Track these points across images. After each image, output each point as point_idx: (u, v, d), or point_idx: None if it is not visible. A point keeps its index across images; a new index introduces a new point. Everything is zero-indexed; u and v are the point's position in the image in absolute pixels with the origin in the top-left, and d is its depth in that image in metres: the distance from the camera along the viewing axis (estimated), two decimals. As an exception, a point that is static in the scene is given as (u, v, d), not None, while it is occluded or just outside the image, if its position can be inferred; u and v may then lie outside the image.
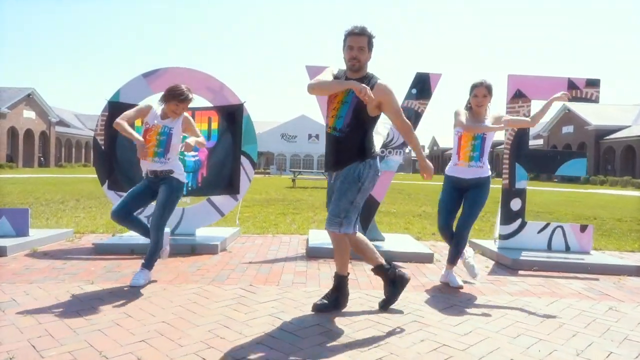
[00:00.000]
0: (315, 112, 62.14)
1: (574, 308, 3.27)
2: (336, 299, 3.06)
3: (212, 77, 5.21)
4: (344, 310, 3.04)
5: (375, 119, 2.97)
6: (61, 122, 47.19)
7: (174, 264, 4.21)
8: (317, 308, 2.99)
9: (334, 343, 2.49)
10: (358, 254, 3.12)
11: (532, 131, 38.46)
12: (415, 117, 5.16)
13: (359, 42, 2.88)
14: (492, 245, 5.25)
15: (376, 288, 3.60)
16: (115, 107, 4.98)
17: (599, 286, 3.95)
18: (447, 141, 73.69)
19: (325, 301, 3.03)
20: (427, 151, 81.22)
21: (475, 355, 2.39)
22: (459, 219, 3.70)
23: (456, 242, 3.68)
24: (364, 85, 2.69)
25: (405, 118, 3.01)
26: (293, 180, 19.81)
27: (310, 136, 56.24)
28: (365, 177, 2.90)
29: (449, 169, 3.81)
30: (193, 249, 4.72)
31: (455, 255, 3.72)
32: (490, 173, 3.76)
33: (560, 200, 15.37)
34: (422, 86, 5.14)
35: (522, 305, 3.28)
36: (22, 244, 4.63)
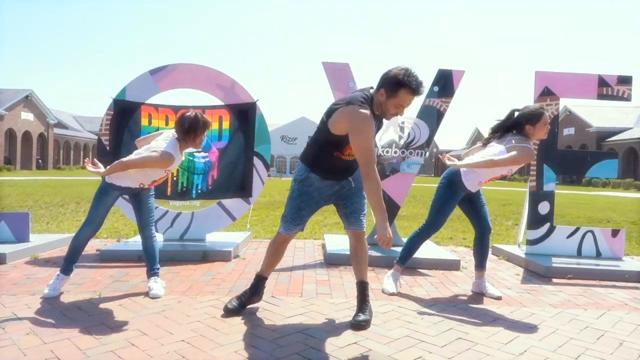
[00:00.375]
0: (315, 114, 61.92)
1: (627, 322, 3.00)
2: (368, 310, 2.80)
3: (223, 73, 4.94)
4: (379, 324, 2.77)
5: None
6: (59, 124, 46.78)
7: (185, 272, 3.93)
8: (358, 326, 2.69)
9: (377, 365, 2.22)
10: (278, 255, 3.07)
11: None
12: (437, 116, 4.90)
13: (413, 101, 2.60)
14: (518, 250, 4.99)
15: (404, 299, 3.33)
16: (120, 105, 4.72)
17: (642, 296, 3.69)
18: (446, 143, 73.53)
19: (366, 317, 2.74)
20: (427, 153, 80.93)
21: (538, 379, 2.12)
22: (481, 223, 3.52)
23: (484, 244, 3.54)
24: (389, 238, 2.45)
25: None
26: (295, 183, 19.50)
27: (310, 138, 55.91)
28: None
29: (473, 185, 3.42)
30: (204, 256, 4.44)
31: (485, 258, 3.56)
32: None
33: (565, 202, 15.10)
34: (445, 83, 4.89)
35: (569, 319, 3.01)
36: (22, 251, 4.34)
